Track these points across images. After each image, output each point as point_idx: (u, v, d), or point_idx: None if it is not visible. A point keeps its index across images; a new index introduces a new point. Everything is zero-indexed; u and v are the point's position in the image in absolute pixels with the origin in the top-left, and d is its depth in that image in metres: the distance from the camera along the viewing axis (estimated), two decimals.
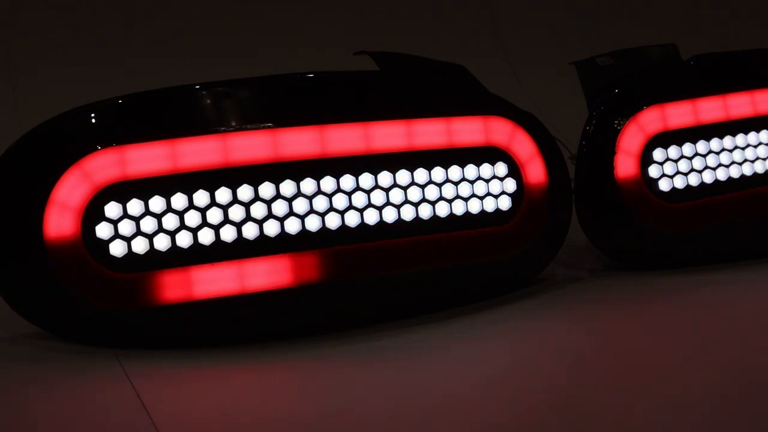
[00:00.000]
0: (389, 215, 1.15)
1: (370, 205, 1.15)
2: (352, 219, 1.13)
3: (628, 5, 3.10)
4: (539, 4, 3.00)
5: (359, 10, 2.76)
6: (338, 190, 1.13)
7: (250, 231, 1.09)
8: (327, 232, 1.12)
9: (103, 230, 1.05)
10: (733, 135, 1.35)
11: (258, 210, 1.09)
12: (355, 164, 1.14)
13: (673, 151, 1.31)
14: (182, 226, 1.07)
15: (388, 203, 1.15)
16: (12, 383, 1.00)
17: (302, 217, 1.11)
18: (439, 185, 1.19)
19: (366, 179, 1.14)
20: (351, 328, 1.13)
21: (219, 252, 1.08)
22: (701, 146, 1.33)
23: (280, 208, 1.10)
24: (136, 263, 1.06)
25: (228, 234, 1.08)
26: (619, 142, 1.28)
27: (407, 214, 1.17)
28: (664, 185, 1.31)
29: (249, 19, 2.66)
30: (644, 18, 3.08)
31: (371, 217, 1.14)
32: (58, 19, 2.48)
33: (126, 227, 1.06)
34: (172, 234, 1.07)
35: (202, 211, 1.08)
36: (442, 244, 1.18)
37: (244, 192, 1.09)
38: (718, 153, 1.34)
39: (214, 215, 1.08)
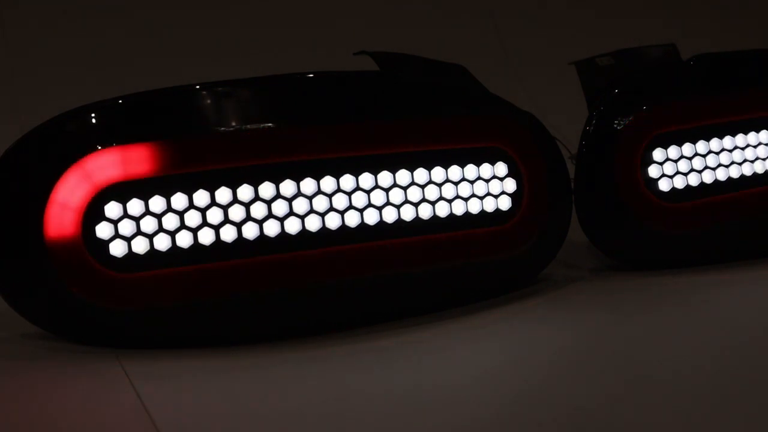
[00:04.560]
0: (389, 215, 1.15)
1: (370, 205, 1.15)
2: (352, 219, 1.13)
3: (628, 5, 3.10)
4: (539, 4, 3.00)
5: (359, 9, 2.76)
6: (338, 190, 1.13)
7: (250, 231, 1.09)
8: (327, 232, 1.12)
9: (103, 230, 1.05)
10: (733, 135, 1.35)
11: (258, 210, 1.09)
12: (355, 164, 1.14)
13: (673, 151, 1.31)
14: (182, 226, 1.07)
15: (388, 203, 1.15)
16: (12, 383, 1.00)
17: (302, 217, 1.11)
18: (439, 185, 1.18)
19: (366, 179, 1.14)
20: (350, 328, 1.13)
21: (219, 252, 1.08)
22: (701, 146, 1.33)
23: (280, 208, 1.10)
24: (136, 263, 1.06)
25: (228, 234, 1.08)
26: (619, 142, 1.28)
27: (407, 214, 1.17)
28: (664, 185, 1.31)
29: (249, 18, 2.66)
30: (644, 18, 3.08)
31: (371, 217, 1.14)
32: (58, 19, 2.48)
33: (126, 227, 1.06)
34: (172, 234, 1.07)
35: (202, 211, 1.08)
36: (442, 244, 1.18)
37: (244, 192, 1.09)
38: (718, 153, 1.34)
39: (214, 215, 1.08)
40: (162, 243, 1.06)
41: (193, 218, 1.07)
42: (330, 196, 1.13)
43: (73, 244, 1.04)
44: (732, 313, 1.16)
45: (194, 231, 1.07)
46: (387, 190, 1.15)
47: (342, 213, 1.13)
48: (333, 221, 1.12)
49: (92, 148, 1.05)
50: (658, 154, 1.31)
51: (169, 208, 1.07)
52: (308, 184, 1.11)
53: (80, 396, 0.95)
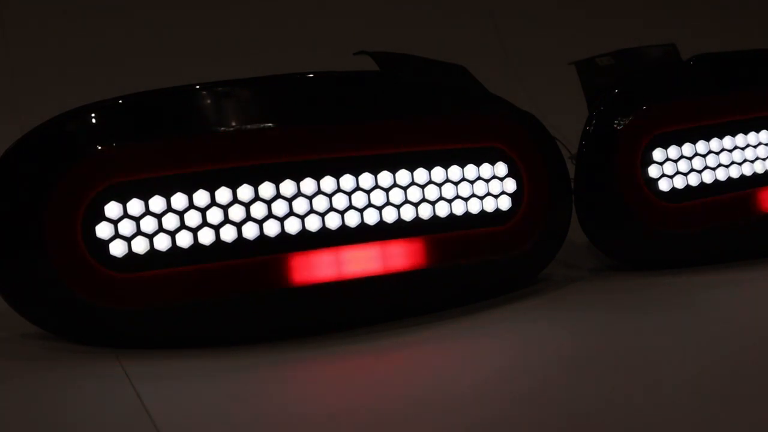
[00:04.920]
0: (389, 215, 1.15)
1: (370, 205, 1.15)
2: (352, 219, 1.13)
3: (629, 5, 3.10)
4: (539, 4, 3.00)
5: (359, 9, 2.76)
6: (338, 190, 1.13)
7: (250, 231, 1.09)
8: (327, 232, 1.12)
9: (103, 230, 1.05)
10: (733, 135, 1.35)
11: (258, 210, 1.09)
12: (355, 164, 1.14)
13: (673, 151, 1.31)
14: (182, 226, 1.07)
15: (388, 203, 1.16)
16: (12, 383, 1.00)
17: (302, 217, 1.11)
18: (439, 185, 1.19)
19: (366, 179, 1.14)
20: (350, 328, 1.13)
21: (219, 252, 1.08)
22: (701, 146, 1.33)
23: (280, 208, 1.10)
24: (136, 263, 1.06)
25: (228, 234, 1.08)
26: (619, 142, 1.28)
27: (407, 214, 1.17)
28: (664, 185, 1.31)
29: (249, 18, 2.66)
30: (644, 18, 3.08)
31: (371, 217, 1.14)
32: (58, 19, 2.48)
33: (126, 227, 1.06)
34: (172, 234, 1.07)
35: (202, 211, 1.08)
36: (442, 244, 1.18)
37: (244, 192, 1.09)
38: (718, 153, 1.34)
39: (214, 215, 1.08)
40: (162, 243, 1.06)
41: (193, 218, 1.07)
42: (330, 196, 1.13)
43: (73, 244, 1.04)
44: (732, 312, 1.16)
45: (194, 231, 1.07)
46: (387, 190, 1.15)
47: (342, 213, 1.13)
48: (333, 221, 1.12)
49: (92, 148, 1.05)
50: (658, 154, 1.31)
51: (169, 208, 1.07)
52: (308, 184, 1.11)
53: (80, 396, 0.95)
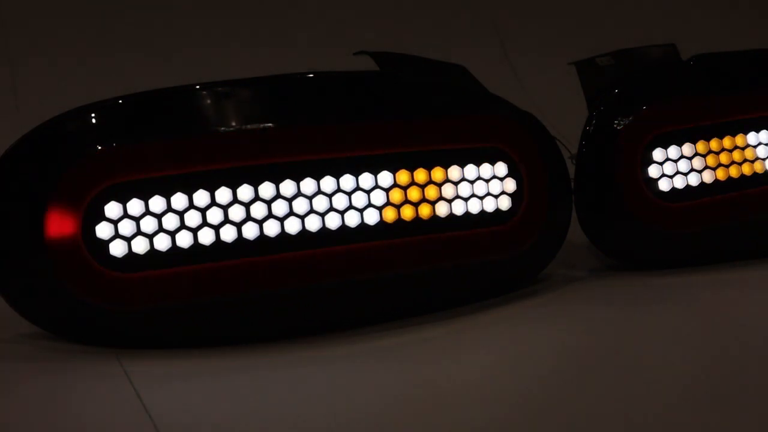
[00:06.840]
0: (389, 215, 1.15)
1: (370, 205, 1.15)
2: (352, 219, 1.13)
3: (629, 5, 3.10)
4: (539, 4, 3.00)
5: (359, 9, 2.76)
6: (338, 190, 1.13)
7: (250, 231, 1.09)
8: (327, 232, 1.12)
9: (103, 230, 1.05)
10: (733, 135, 1.35)
11: (258, 210, 1.09)
12: (355, 164, 1.14)
13: (673, 151, 1.31)
14: (182, 226, 1.07)
15: (388, 203, 1.16)
16: (12, 383, 1.00)
17: (302, 217, 1.11)
18: (439, 185, 1.19)
19: (366, 179, 1.14)
20: (351, 329, 1.14)
21: (219, 252, 1.08)
22: (701, 146, 1.33)
23: (280, 208, 1.10)
24: (136, 263, 1.06)
25: (228, 234, 1.08)
26: (619, 142, 1.28)
27: (407, 214, 1.17)
28: (664, 185, 1.31)
29: (248, 18, 2.66)
30: (644, 18, 3.08)
31: (371, 217, 1.14)
32: (58, 19, 2.48)
33: (126, 227, 1.06)
34: (172, 234, 1.07)
35: (202, 211, 1.08)
36: (442, 244, 1.18)
37: (244, 192, 1.09)
38: (718, 153, 1.34)
39: (214, 215, 1.08)
40: (162, 243, 1.06)
41: (193, 218, 1.07)
42: (330, 196, 1.13)
43: (73, 244, 1.04)
44: (732, 312, 1.16)
45: (194, 231, 1.07)
46: (387, 190, 1.16)
47: (342, 213, 1.13)
48: (333, 221, 1.12)
49: (92, 148, 1.05)
50: (658, 154, 1.31)
51: (169, 208, 1.07)
52: (308, 184, 1.11)
53: (80, 396, 0.95)
